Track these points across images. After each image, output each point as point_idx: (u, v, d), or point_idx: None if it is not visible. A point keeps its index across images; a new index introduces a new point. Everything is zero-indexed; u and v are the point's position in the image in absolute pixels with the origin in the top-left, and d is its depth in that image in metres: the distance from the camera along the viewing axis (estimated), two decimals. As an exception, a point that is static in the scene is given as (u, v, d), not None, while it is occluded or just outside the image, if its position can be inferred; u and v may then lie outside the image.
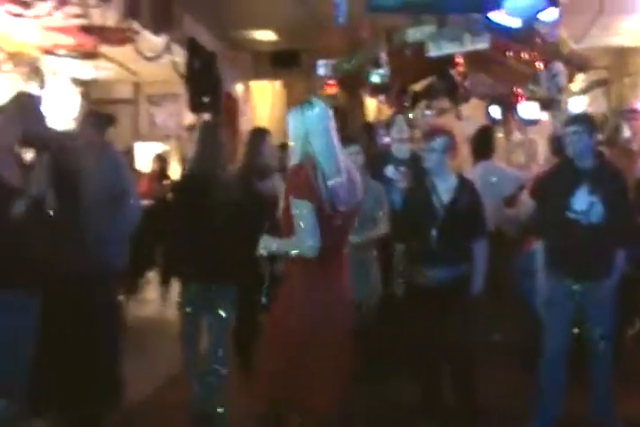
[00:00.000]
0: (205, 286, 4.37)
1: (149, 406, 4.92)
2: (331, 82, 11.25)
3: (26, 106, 3.94)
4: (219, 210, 4.24)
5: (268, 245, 3.25)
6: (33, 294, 3.74)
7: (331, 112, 3.31)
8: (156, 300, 7.59)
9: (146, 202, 7.57)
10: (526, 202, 4.86)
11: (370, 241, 4.62)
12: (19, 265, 3.56)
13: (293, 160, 3.24)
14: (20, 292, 3.66)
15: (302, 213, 3.09)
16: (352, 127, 10.99)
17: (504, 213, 5.59)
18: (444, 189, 4.29)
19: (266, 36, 9.40)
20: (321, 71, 10.94)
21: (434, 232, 4.21)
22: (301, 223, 3.09)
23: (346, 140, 4.79)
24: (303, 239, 3.09)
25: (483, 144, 6.08)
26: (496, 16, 5.58)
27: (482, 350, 4.59)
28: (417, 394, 4.46)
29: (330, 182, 3.13)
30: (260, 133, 5.50)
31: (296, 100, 12.17)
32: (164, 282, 7.38)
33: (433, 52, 6.64)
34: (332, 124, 3.27)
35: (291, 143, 3.27)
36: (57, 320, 4.37)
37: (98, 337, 4.79)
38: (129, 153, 8.75)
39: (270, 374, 3.26)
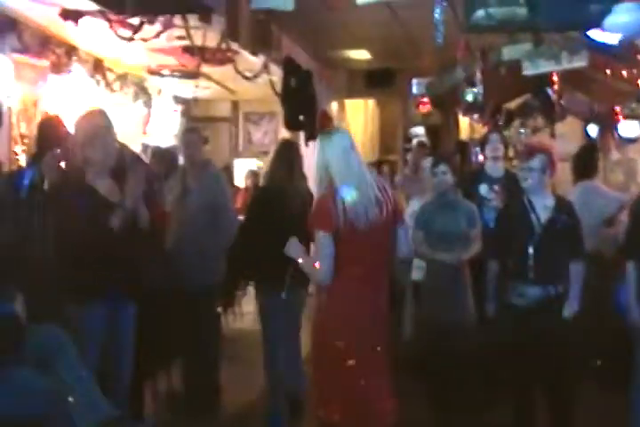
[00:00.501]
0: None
1: (244, 416, 4.96)
2: (424, 100, 11.22)
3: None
4: (292, 222, 4.25)
5: (295, 253, 3.39)
6: (131, 306, 3.81)
7: (351, 138, 3.48)
8: (252, 312, 7.65)
9: (242, 217, 7.70)
10: (626, 223, 4.69)
11: (462, 260, 4.56)
12: (115, 278, 3.64)
13: (319, 190, 3.43)
14: (120, 303, 3.74)
15: (320, 242, 3.27)
16: (445, 146, 10.93)
17: (603, 234, 5.42)
18: (542, 208, 4.19)
19: (360, 55, 9.44)
20: (415, 90, 10.92)
21: (530, 251, 4.11)
22: (319, 252, 3.28)
23: (435, 159, 4.78)
24: (320, 268, 3.28)
25: (585, 163, 5.93)
26: (595, 33, 5.43)
27: (581, 376, 4.41)
28: (510, 420, 4.32)
29: (348, 206, 3.27)
30: None
31: (389, 118, 12.27)
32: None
33: (529, 70, 6.52)
34: (352, 149, 3.41)
35: (317, 174, 3.42)
36: (159, 331, 4.49)
37: (197, 347, 4.89)
38: (228, 169, 8.93)
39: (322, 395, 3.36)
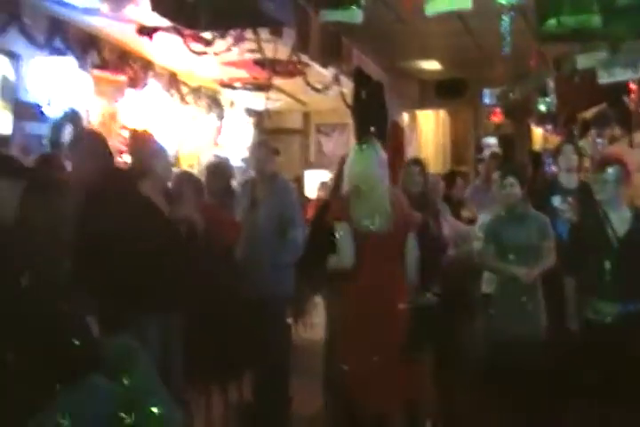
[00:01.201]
0: None
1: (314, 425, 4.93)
2: (496, 110, 11.05)
3: None
4: None
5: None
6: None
7: (379, 151, 4.12)
8: (321, 323, 7.64)
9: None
10: None
11: (534, 274, 4.42)
12: (179, 290, 3.67)
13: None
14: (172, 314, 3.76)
15: (341, 232, 3.86)
16: (518, 156, 10.72)
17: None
18: (618, 221, 4.03)
19: (431, 65, 9.36)
20: (487, 100, 10.77)
21: (607, 265, 3.95)
22: (341, 241, 3.85)
23: (504, 171, 4.64)
24: (341, 254, 3.87)
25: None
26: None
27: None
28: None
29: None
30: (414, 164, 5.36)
31: (461, 128, 12.12)
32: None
33: (604, 78, 6.34)
34: (377, 163, 4.05)
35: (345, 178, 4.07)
36: (229, 342, 4.51)
37: (268, 358, 4.89)
38: (299, 181, 8.94)
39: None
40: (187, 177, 4.94)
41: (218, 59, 6.44)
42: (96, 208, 3.35)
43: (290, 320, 6.71)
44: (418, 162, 5.36)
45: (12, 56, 5.12)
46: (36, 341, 2.46)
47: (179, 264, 3.56)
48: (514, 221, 4.45)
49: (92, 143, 3.90)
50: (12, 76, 5.10)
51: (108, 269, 3.30)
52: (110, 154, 3.96)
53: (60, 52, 5.59)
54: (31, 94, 5.42)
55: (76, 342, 2.50)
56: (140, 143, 4.03)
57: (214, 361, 4.50)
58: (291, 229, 4.84)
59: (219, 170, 5.46)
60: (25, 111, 5.32)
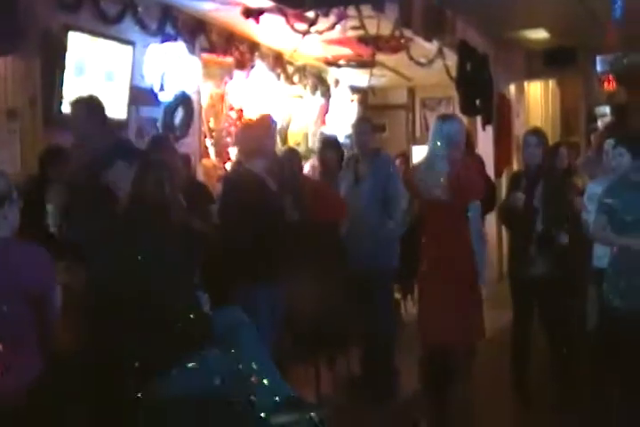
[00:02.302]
0: None
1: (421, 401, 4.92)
2: (609, 78, 10.56)
3: None
4: None
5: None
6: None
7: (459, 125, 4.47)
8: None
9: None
10: None
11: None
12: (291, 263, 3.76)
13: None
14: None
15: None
16: (633, 125, 10.22)
17: None
18: None
19: (538, 34, 9.00)
20: (599, 67, 10.29)
21: None
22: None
23: (615, 141, 4.43)
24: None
25: None
26: None
27: None
28: None
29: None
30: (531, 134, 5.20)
31: (571, 98, 11.67)
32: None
33: None
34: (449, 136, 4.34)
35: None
36: (338, 316, 4.57)
37: (375, 333, 4.92)
38: (405, 156, 8.85)
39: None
40: (292, 155, 4.99)
41: (321, 37, 6.44)
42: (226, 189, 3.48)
43: (397, 295, 6.74)
44: (535, 132, 5.21)
45: (127, 43, 5.28)
46: (154, 316, 2.56)
47: (285, 238, 3.64)
48: (628, 189, 4.25)
49: None
50: (126, 63, 5.27)
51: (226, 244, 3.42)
52: None
53: (171, 38, 5.73)
54: (145, 80, 5.59)
55: (192, 316, 2.59)
56: (258, 125, 4.13)
57: (322, 334, 4.57)
58: (394, 205, 4.83)
59: (333, 143, 5.52)
60: (140, 96, 5.51)
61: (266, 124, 4.05)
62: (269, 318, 3.67)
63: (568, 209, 4.97)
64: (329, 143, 5.68)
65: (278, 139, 7.84)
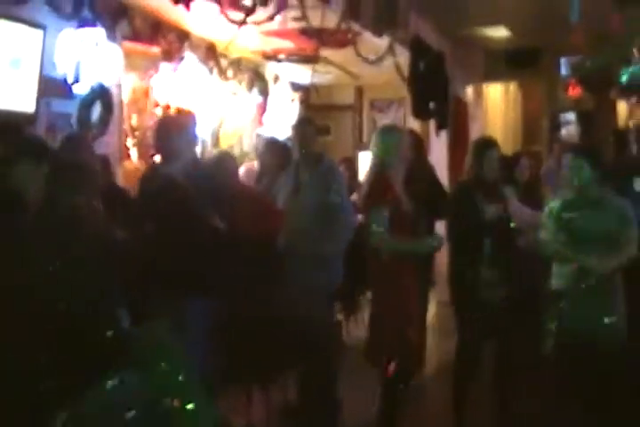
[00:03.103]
0: None
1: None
2: (575, 82, 10.87)
3: None
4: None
5: None
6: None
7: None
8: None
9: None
10: None
11: (612, 266, 4.38)
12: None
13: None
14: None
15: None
16: (600, 134, 10.55)
17: None
18: None
19: (499, 32, 9.24)
20: (563, 70, 10.60)
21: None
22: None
23: (572, 152, 4.58)
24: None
25: None
26: None
27: None
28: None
29: None
30: (485, 144, 5.29)
31: (534, 103, 11.97)
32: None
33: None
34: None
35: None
36: (273, 338, 4.59)
37: (315, 357, 4.95)
38: (350, 162, 8.95)
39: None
40: (223, 159, 5.01)
41: (260, 29, 6.49)
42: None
43: (340, 316, 6.79)
44: (491, 143, 5.24)
45: (36, 27, 5.22)
46: (64, 333, 2.55)
47: (213, 250, 3.66)
48: (587, 205, 4.41)
49: None
50: (36, 50, 5.22)
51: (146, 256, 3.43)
52: None
53: (88, 23, 5.69)
54: (57, 69, 5.55)
55: (107, 334, 2.59)
56: (168, 124, 4.12)
57: (255, 358, 4.59)
58: (337, 217, 4.87)
59: (275, 147, 5.55)
60: (51, 87, 5.44)
61: (184, 121, 4.01)
62: (199, 336, 3.67)
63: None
64: (271, 146, 5.72)
65: (209, 141, 7.90)
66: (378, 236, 4.33)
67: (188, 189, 3.73)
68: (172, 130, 3.86)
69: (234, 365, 4.22)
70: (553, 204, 4.87)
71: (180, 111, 5.01)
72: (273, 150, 5.52)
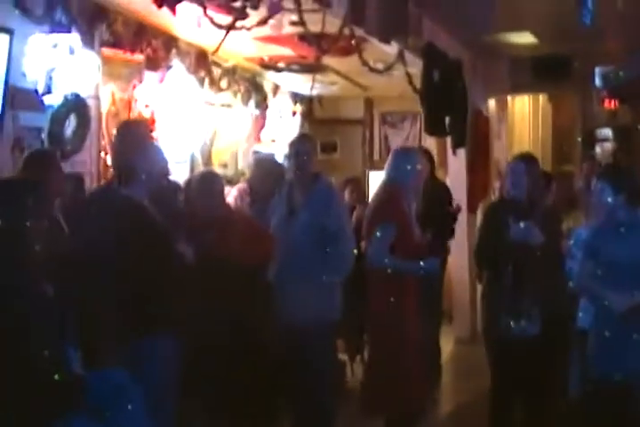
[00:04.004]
0: None
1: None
2: (611, 94, 10.84)
3: None
4: None
5: None
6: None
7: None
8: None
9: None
10: None
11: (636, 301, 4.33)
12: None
13: None
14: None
15: None
16: (637, 152, 10.51)
17: None
18: None
19: (524, 38, 9.24)
20: (598, 81, 10.58)
21: None
22: None
23: (599, 173, 4.59)
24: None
25: None
26: None
27: None
28: None
29: None
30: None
31: (565, 118, 11.94)
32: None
33: None
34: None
35: None
36: (263, 382, 4.56)
37: (311, 403, 4.91)
38: (357, 183, 8.93)
39: None
40: (207, 179, 5.01)
41: (255, 34, 6.50)
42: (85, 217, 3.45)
43: (342, 357, 6.75)
44: (523, 158, 5.39)
45: (2, 31, 5.23)
46: (5, 375, 2.54)
47: (184, 282, 3.63)
48: (615, 233, 4.38)
49: None
50: (2, 56, 5.24)
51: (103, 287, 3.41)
52: None
53: (61, 28, 5.71)
54: (27, 78, 5.56)
55: (56, 377, 2.58)
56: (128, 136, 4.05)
57: (243, 404, 4.56)
58: (334, 243, 4.87)
59: (268, 164, 5.55)
60: (19, 99, 5.45)
61: (142, 132, 3.96)
62: (165, 379, 3.63)
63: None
64: (262, 164, 5.72)
65: (200, 158, 7.91)
66: (376, 250, 4.40)
67: (150, 214, 3.70)
68: (131, 145, 3.83)
69: (211, 412, 4.18)
70: (582, 230, 4.87)
71: (139, 122, 4.98)
72: (264, 169, 5.52)
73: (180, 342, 3.70)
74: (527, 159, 5.44)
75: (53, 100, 5.68)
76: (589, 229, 4.66)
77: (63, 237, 3.68)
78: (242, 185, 7.12)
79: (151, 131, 4.27)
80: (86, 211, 3.90)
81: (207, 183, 4.87)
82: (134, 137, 3.84)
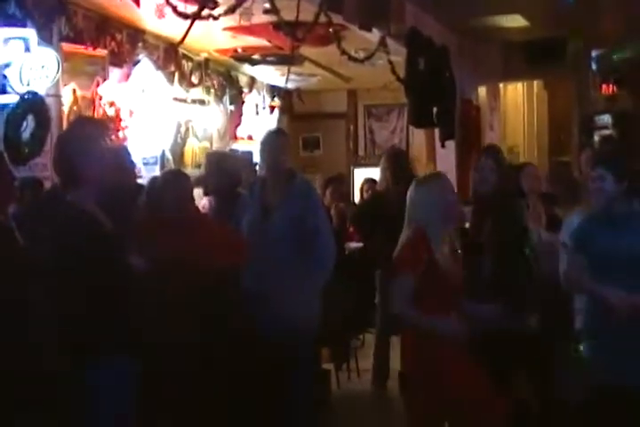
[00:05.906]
0: None
1: None
2: (609, 79, 10.83)
3: None
4: None
5: None
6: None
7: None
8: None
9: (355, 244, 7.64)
10: None
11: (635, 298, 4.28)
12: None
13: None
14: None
15: None
16: (638, 139, 10.47)
17: None
18: None
19: (515, 21, 9.20)
20: (595, 65, 10.56)
21: None
22: None
23: (594, 160, 4.55)
24: None
25: None
26: None
27: None
28: None
29: None
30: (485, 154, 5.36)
31: (562, 105, 11.92)
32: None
33: None
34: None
35: None
36: (238, 397, 4.50)
37: (291, 418, 4.85)
38: (341, 180, 8.89)
39: None
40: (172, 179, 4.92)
41: (225, 24, 6.45)
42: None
43: (328, 366, 6.70)
44: (490, 151, 5.37)
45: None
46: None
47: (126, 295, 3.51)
48: (611, 223, 4.32)
49: None
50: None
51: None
52: None
53: (16, 22, 5.65)
54: (-21, 77, 5.51)
55: None
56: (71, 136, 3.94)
57: (221, 420, 4.50)
58: (315, 236, 4.81)
59: (222, 162, 5.49)
60: (-30, 98, 5.42)
61: (90, 132, 3.83)
62: (114, 411, 3.48)
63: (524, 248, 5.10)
64: (212, 160, 5.65)
65: (171, 158, 7.84)
66: (398, 304, 4.21)
67: (95, 221, 3.59)
68: (73, 145, 3.72)
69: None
70: (575, 219, 4.79)
71: (89, 120, 4.92)
72: (214, 165, 5.45)
73: (136, 367, 3.55)
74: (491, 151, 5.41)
75: (8, 100, 5.63)
76: (583, 218, 4.57)
77: (12, 247, 3.56)
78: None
79: (108, 130, 4.13)
80: (29, 218, 3.80)
81: (173, 182, 4.78)
82: (78, 136, 3.72)
